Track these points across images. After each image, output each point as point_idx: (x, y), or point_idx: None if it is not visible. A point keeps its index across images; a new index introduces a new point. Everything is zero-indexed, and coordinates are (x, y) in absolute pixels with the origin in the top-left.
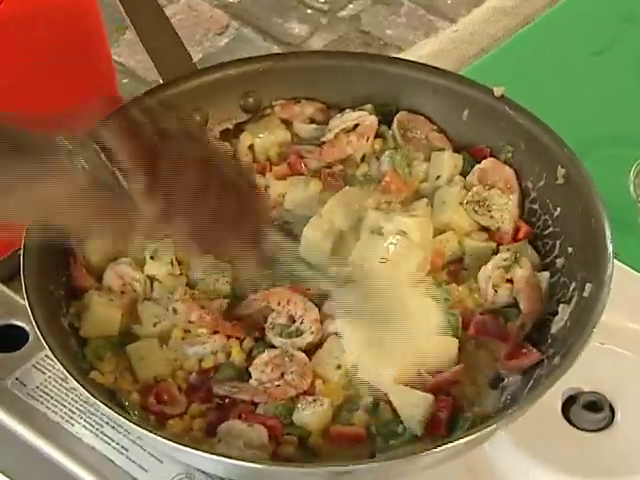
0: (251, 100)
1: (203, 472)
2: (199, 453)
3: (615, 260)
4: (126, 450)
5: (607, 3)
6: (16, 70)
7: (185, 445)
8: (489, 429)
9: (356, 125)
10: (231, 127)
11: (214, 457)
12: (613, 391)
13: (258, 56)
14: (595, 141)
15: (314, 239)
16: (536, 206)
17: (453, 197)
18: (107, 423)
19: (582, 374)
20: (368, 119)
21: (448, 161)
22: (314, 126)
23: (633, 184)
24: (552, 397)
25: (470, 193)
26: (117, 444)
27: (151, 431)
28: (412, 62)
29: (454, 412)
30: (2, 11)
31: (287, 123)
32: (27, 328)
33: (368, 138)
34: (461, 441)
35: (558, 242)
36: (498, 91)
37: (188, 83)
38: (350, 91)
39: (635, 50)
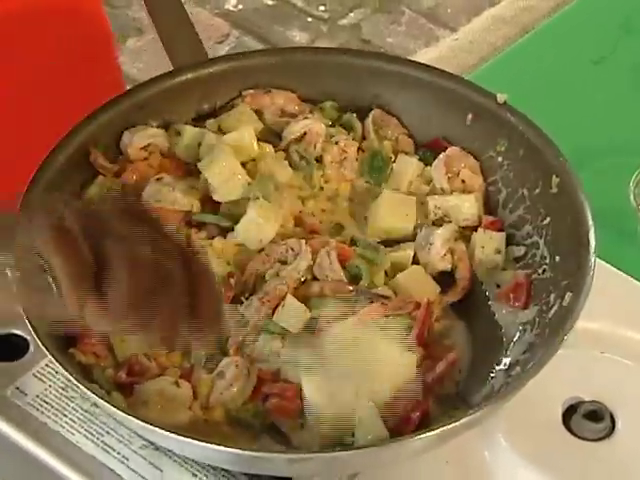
0: None
1: None
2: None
3: (615, 269)
4: (127, 459)
5: (606, 12)
6: (18, 73)
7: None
8: (452, 426)
9: (304, 133)
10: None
11: (179, 437)
12: (614, 400)
13: (269, 49)
14: (596, 149)
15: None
16: (528, 215)
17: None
18: (108, 432)
19: (582, 383)
20: (315, 126)
21: (413, 167)
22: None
23: (633, 193)
24: (553, 406)
25: (431, 208)
26: (118, 453)
27: (121, 409)
28: (417, 63)
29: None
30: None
31: (258, 113)
32: (28, 337)
33: (316, 145)
34: (431, 433)
35: (546, 250)
36: (501, 97)
37: (197, 72)
38: (357, 89)
39: (634, 58)
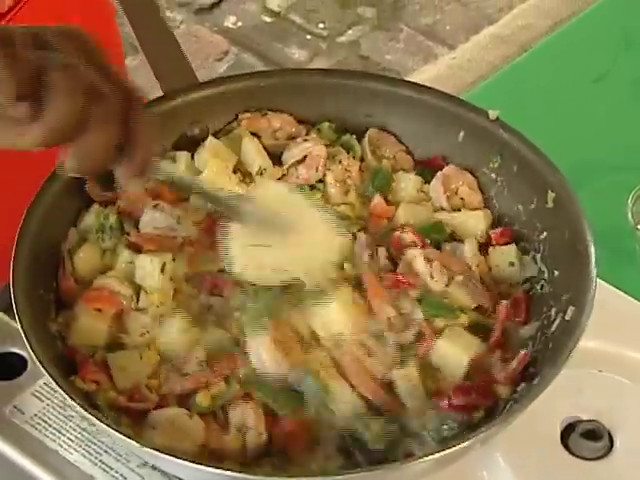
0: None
1: None
2: (177, 461)
3: (613, 288)
4: (125, 479)
5: (604, 30)
6: None
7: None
8: (462, 445)
9: (305, 156)
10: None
11: (189, 464)
12: (612, 419)
13: (260, 71)
14: (594, 168)
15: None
16: (525, 230)
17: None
18: (106, 451)
19: (581, 402)
20: (315, 149)
21: (412, 183)
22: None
23: (631, 211)
24: (551, 425)
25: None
26: (116, 472)
27: (127, 435)
28: (407, 82)
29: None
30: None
31: (256, 137)
32: (26, 356)
33: (317, 168)
34: (433, 457)
35: (543, 265)
36: (493, 114)
37: (188, 96)
38: (350, 110)
39: (633, 77)
